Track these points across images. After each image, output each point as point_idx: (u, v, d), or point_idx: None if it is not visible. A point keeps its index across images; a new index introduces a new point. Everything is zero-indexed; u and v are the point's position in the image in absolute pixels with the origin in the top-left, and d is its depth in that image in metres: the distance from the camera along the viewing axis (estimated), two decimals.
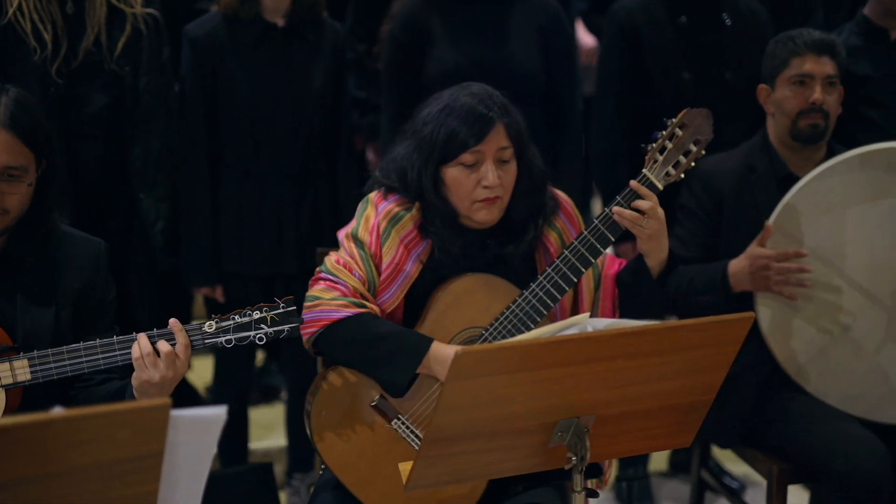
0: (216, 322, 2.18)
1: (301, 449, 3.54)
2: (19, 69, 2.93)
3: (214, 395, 3.61)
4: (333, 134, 3.33)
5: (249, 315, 2.18)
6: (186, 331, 2.16)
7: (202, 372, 4.25)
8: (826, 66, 2.93)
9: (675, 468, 3.94)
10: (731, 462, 3.84)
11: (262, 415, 4.16)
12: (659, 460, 3.97)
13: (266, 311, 2.19)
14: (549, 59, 3.27)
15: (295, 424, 3.52)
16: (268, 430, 4.06)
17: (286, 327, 2.19)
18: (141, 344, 2.13)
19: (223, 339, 2.17)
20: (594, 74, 3.81)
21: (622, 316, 2.49)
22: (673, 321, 1.95)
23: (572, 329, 2.00)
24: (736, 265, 2.83)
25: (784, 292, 2.78)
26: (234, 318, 2.18)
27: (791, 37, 2.99)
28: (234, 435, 3.46)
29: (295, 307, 2.20)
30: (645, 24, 3.49)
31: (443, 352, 2.30)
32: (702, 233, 2.95)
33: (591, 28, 4.61)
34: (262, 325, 2.18)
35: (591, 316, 2.44)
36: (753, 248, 2.81)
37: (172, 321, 2.17)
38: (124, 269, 3.16)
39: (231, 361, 3.43)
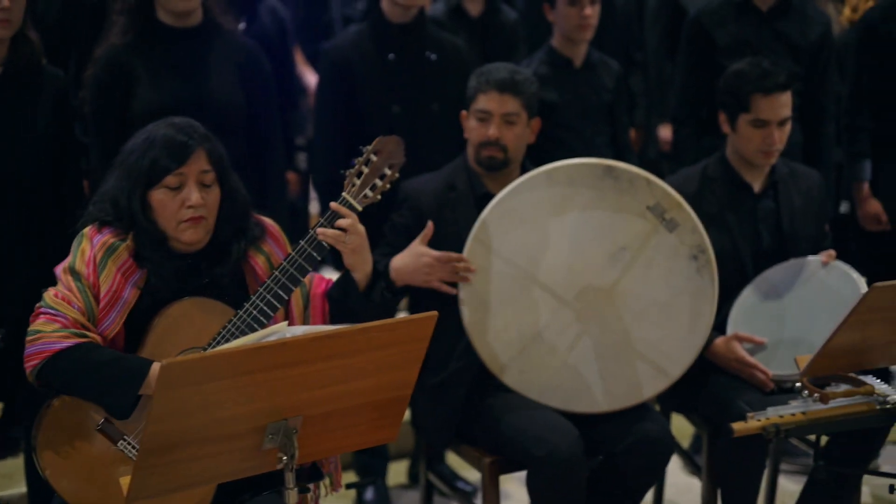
0: None
1: (41, 491, 3.54)
2: None
3: None
4: (60, 178, 3.38)
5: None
6: None
7: None
8: (507, 104, 3.18)
9: (414, 480, 4.16)
10: (465, 468, 4.10)
11: (2, 466, 4.12)
12: (398, 473, 4.19)
13: None
14: (250, 94, 3.45)
15: (33, 467, 3.52)
16: (8, 479, 4.03)
17: None
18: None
19: None
20: None
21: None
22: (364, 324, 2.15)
23: (272, 337, 2.18)
24: (398, 260, 3.08)
25: (442, 288, 3.06)
26: None
27: (482, 72, 3.26)
28: None
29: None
30: (356, 61, 3.74)
31: None
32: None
33: None
34: None
35: None
36: (416, 247, 3.07)
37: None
38: None
39: None
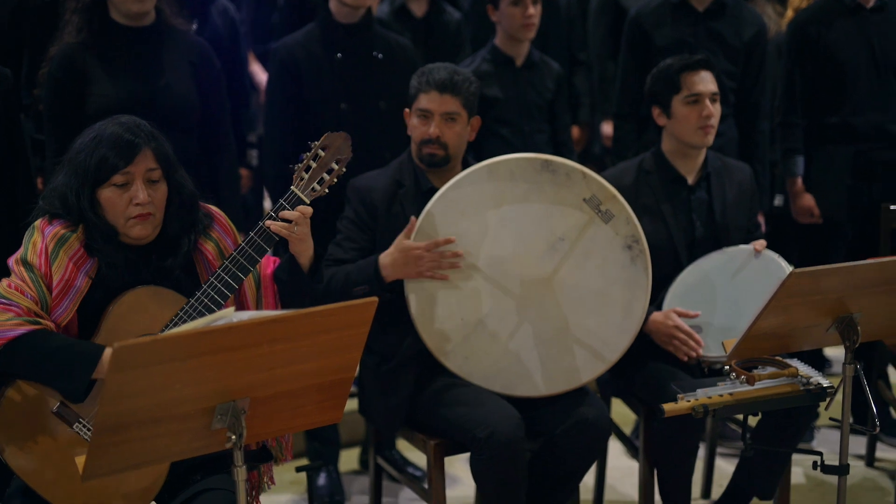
0: None
1: (1, 472, 3.62)
2: None
3: None
4: (8, 176, 3.45)
5: None
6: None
7: None
8: (446, 104, 3.29)
9: (365, 466, 4.28)
10: (414, 454, 4.22)
11: None
12: (350, 460, 4.30)
13: None
14: (203, 91, 3.55)
15: None
16: None
17: None
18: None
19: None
20: None
21: (284, 307, 2.84)
22: (307, 309, 2.26)
23: (220, 321, 2.28)
24: (386, 257, 3.18)
25: (435, 276, 3.15)
26: None
27: (423, 72, 3.37)
28: None
29: None
30: (304, 59, 3.84)
31: None
32: (359, 238, 3.31)
33: None
34: None
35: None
36: (402, 242, 3.17)
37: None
38: None
39: None
